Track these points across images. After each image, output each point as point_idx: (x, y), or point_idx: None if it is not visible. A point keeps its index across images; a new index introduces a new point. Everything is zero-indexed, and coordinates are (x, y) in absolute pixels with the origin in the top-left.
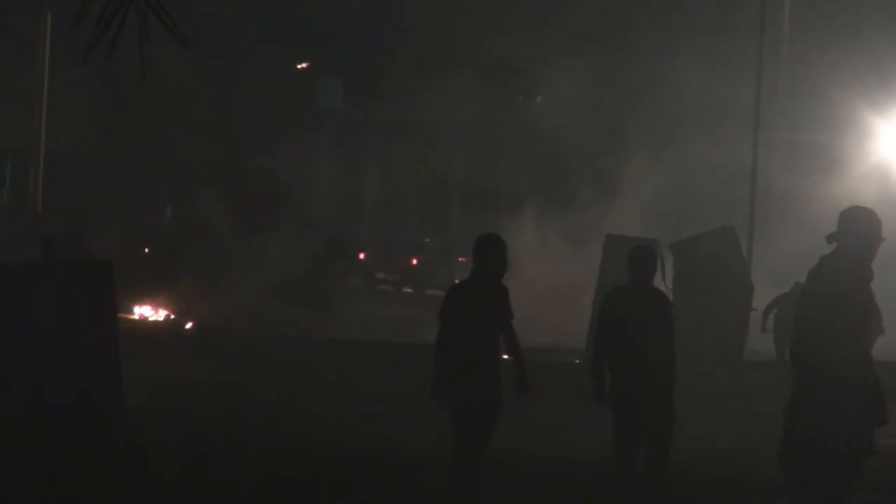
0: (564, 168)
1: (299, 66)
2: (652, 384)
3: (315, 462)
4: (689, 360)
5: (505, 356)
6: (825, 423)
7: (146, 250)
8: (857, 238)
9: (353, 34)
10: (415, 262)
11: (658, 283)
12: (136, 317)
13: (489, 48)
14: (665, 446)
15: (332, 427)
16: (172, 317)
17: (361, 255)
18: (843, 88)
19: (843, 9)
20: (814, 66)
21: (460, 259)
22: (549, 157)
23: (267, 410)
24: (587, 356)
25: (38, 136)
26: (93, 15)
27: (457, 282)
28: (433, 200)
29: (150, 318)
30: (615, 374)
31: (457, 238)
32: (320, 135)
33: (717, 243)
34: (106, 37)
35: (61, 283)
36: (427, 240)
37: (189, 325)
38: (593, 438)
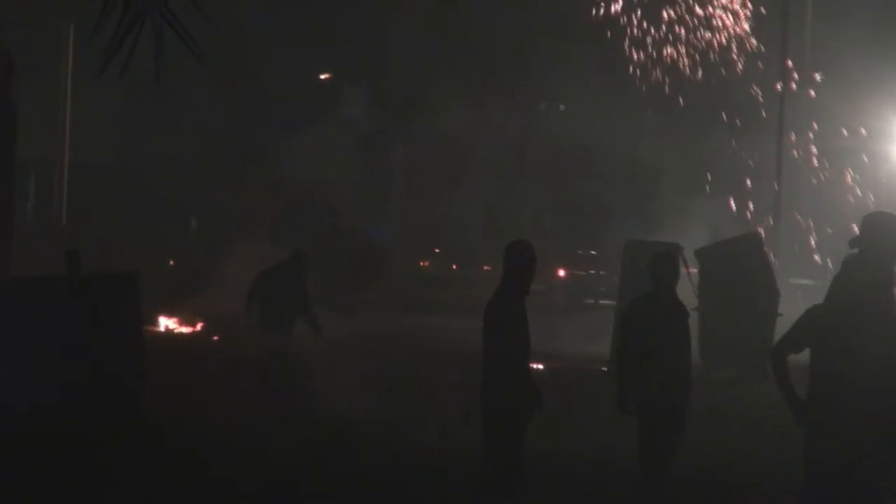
0: (591, 175)
1: (321, 77)
2: (670, 393)
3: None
4: (714, 366)
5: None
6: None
7: (171, 262)
8: (880, 243)
9: (376, 44)
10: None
11: (685, 287)
12: (161, 329)
13: (512, 57)
14: (674, 438)
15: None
16: (199, 328)
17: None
18: (868, 93)
19: (866, 10)
20: (839, 70)
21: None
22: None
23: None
24: (612, 364)
25: (62, 149)
26: (110, 27)
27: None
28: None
29: (176, 330)
30: (638, 383)
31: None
32: (342, 145)
33: (742, 249)
34: (123, 49)
35: (87, 295)
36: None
37: (215, 338)
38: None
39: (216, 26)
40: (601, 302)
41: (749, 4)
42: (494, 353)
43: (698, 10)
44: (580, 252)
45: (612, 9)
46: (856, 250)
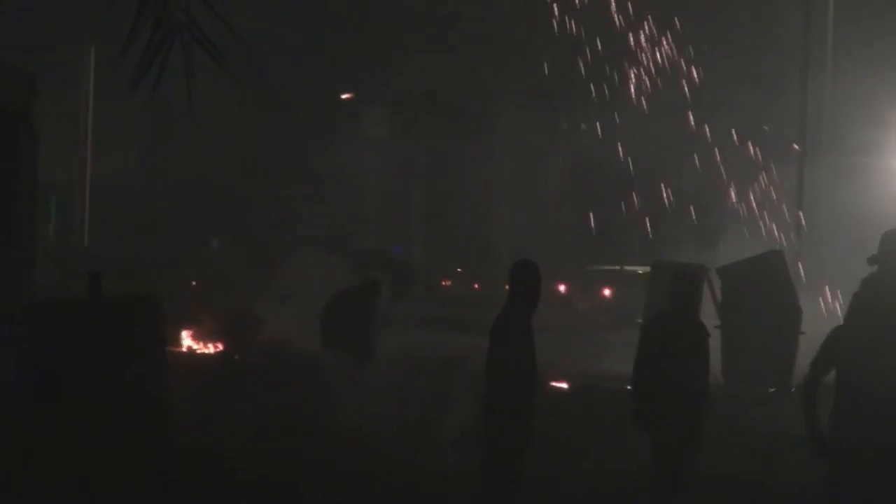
0: (613, 194)
1: (344, 96)
2: (685, 412)
3: None
4: (737, 383)
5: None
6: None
7: (194, 283)
8: None
9: (399, 63)
10: (476, 287)
11: (708, 307)
12: (184, 349)
13: (534, 75)
14: (689, 457)
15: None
16: (221, 348)
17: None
18: (889, 108)
19: (887, 27)
20: (860, 86)
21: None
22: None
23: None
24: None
25: (84, 170)
26: (138, 47)
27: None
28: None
29: (199, 350)
30: (654, 401)
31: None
32: (365, 163)
33: (764, 267)
34: (152, 69)
35: (110, 317)
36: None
37: (237, 356)
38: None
39: (245, 45)
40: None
41: None
42: (497, 376)
43: None
44: (625, 269)
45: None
46: (875, 268)
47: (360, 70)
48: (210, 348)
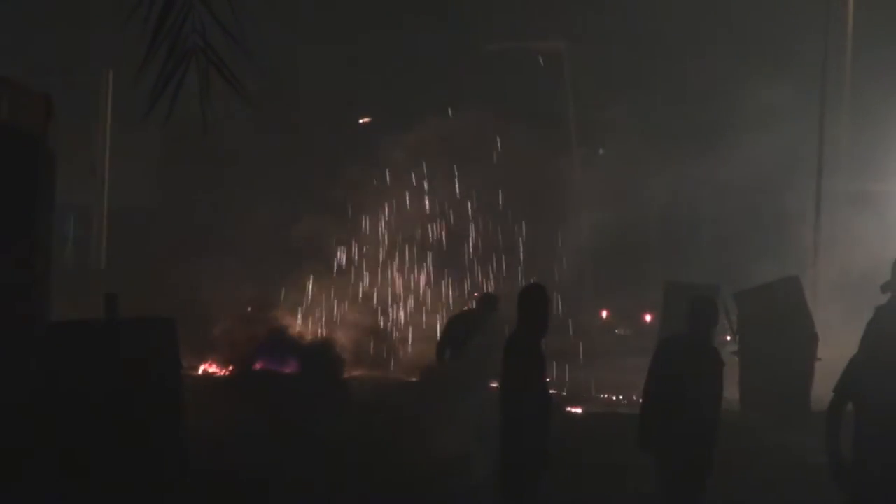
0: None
1: (361, 121)
2: (695, 441)
3: None
4: (752, 410)
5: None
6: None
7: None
8: None
9: (415, 88)
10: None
11: (724, 330)
12: (199, 373)
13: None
14: (694, 490)
15: None
16: (233, 371)
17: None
18: None
19: None
20: (877, 113)
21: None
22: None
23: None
24: None
25: (101, 192)
26: (154, 70)
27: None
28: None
29: (215, 374)
30: (661, 426)
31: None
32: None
33: (781, 293)
34: (167, 92)
35: (125, 339)
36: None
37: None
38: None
39: (259, 68)
40: None
41: None
42: (508, 403)
43: None
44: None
45: None
46: (888, 294)
47: (377, 94)
48: (224, 371)
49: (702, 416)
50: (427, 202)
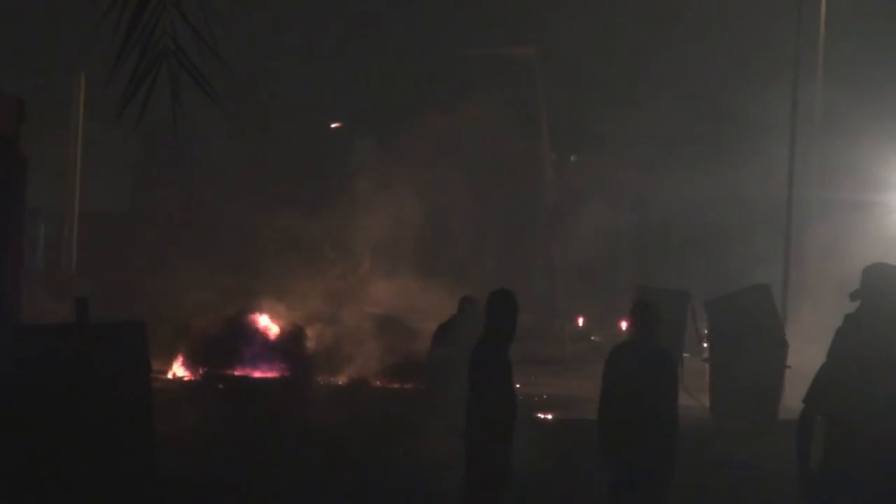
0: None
1: (333, 126)
2: (650, 444)
3: None
4: (723, 417)
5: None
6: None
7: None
8: (882, 294)
9: (387, 93)
10: None
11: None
12: (169, 376)
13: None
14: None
15: None
16: (204, 376)
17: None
18: (876, 145)
19: (876, 64)
20: (848, 122)
21: None
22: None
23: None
24: None
25: (73, 196)
26: (125, 74)
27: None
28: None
29: (185, 378)
30: (617, 431)
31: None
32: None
33: (751, 301)
34: (138, 96)
35: (95, 343)
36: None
37: (221, 386)
38: None
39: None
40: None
41: None
42: (477, 412)
43: None
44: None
45: None
46: (857, 302)
47: (349, 99)
48: (193, 376)
49: (655, 418)
50: (402, 204)
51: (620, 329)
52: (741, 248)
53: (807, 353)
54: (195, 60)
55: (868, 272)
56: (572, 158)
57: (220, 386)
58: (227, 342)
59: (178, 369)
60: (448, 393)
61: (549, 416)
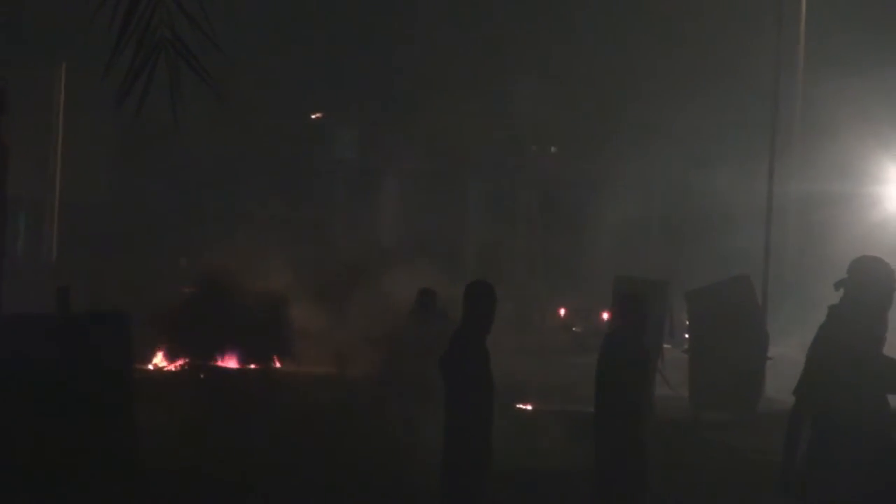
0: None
1: (313, 116)
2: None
3: None
4: (703, 408)
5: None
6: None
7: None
8: (867, 287)
9: (368, 84)
10: None
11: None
12: (151, 367)
13: (505, 98)
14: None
15: None
16: (186, 366)
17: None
18: (857, 136)
19: (859, 54)
20: (830, 112)
21: None
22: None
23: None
24: None
25: (53, 187)
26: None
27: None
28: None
29: (165, 368)
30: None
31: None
32: (335, 185)
33: (732, 291)
34: (137, 87)
35: (77, 333)
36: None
37: (202, 376)
38: None
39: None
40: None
41: None
42: (455, 407)
43: None
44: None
45: None
46: (840, 291)
47: (330, 90)
48: (175, 366)
49: (622, 428)
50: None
51: (603, 320)
52: (722, 239)
53: (787, 343)
54: (192, 49)
55: (857, 264)
56: (553, 150)
57: (202, 376)
58: (205, 322)
59: (160, 360)
60: (406, 381)
61: (529, 407)
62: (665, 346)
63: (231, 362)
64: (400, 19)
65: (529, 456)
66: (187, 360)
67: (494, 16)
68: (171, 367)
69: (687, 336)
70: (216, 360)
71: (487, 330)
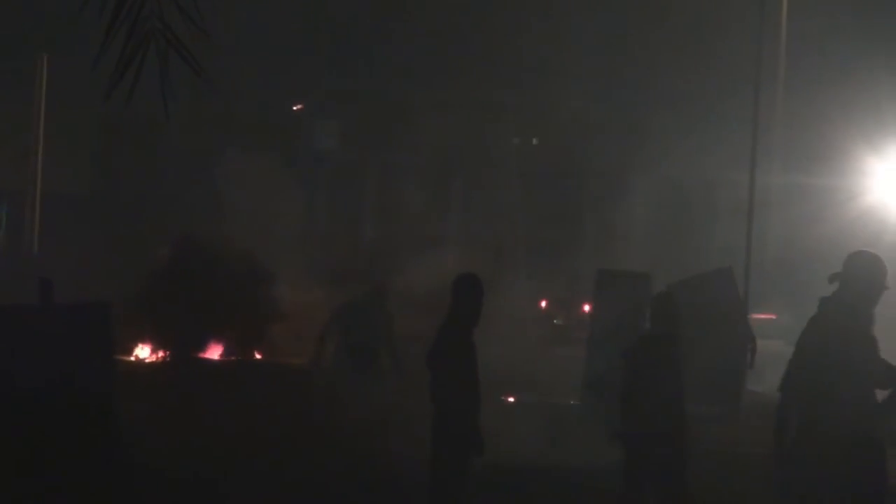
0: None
1: (294, 108)
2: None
3: None
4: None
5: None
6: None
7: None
8: (860, 282)
9: (349, 75)
10: None
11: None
12: (132, 358)
13: (486, 89)
14: (674, 484)
15: None
16: (167, 357)
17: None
18: (839, 128)
19: (839, 48)
20: (810, 106)
21: None
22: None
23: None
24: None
25: (34, 178)
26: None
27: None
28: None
29: (147, 360)
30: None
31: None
32: (315, 176)
33: (713, 284)
34: (126, 77)
35: (59, 324)
36: None
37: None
38: None
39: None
40: None
41: None
42: (441, 397)
43: None
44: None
45: None
46: (835, 284)
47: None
48: (157, 358)
49: (669, 404)
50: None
51: (584, 312)
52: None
53: (770, 336)
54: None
55: (852, 258)
56: (534, 141)
57: (186, 368)
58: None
59: (142, 351)
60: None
61: (511, 399)
62: None
63: (214, 353)
64: (384, 11)
65: (513, 449)
66: (167, 353)
67: (476, 6)
68: (154, 358)
69: None
70: (197, 352)
71: (475, 323)
